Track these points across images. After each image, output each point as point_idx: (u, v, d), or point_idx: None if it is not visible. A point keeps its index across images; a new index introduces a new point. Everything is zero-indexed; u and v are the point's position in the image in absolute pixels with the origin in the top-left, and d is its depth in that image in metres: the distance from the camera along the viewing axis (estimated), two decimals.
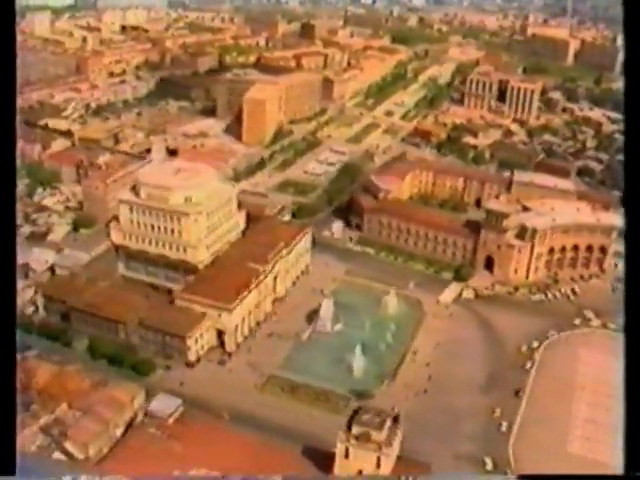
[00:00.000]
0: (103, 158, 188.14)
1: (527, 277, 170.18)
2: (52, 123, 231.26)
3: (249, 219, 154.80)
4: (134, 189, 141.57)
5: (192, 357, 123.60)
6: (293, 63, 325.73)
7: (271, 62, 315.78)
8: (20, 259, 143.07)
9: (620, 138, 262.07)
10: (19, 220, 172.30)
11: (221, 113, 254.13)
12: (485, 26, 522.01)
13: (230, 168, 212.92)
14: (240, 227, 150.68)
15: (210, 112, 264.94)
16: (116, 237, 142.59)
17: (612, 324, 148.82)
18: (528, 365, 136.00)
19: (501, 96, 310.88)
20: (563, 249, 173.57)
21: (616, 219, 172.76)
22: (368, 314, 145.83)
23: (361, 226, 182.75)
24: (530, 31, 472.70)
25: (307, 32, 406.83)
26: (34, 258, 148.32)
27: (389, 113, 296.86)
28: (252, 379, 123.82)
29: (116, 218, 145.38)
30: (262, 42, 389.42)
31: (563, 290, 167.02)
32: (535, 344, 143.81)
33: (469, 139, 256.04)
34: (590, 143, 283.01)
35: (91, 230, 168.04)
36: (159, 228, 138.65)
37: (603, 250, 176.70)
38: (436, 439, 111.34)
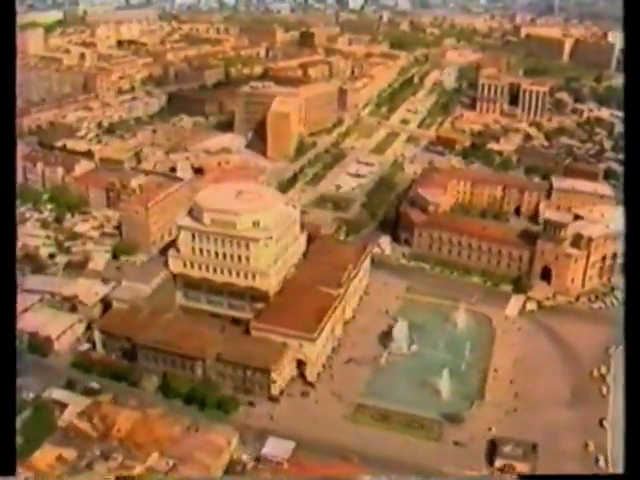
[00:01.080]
0: (137, 180, 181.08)
1: (583, 286, 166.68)
2: (70, 144, 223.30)
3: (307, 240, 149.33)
4: (193, 214, 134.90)
5: (275, 391, 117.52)
6: (300, 73, 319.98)
7: (279, 73, 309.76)
8: (65, 291, 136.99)
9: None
10: (52, 248, 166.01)
11: (239, 128, 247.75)
12: (475, 28, 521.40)
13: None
14: (302, 249, 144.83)
15: (226, 127, 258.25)
16: (175, 266, 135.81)
17: None
18: (606, 374, 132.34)
19: (511, 99, 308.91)
20: (614, 256, 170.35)
21: None
22: (440, 332, 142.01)
23: (410, 241, 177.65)
24: (524, 31, 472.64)
25: (306, 40, 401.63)
26: (81, 290, 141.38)
27: (404, 121, 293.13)
28: (339, 409, 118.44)
29: (169, 245, 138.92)
30: (262, 52, 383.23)
31: (620, 297, 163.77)
32: (611, 351, 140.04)
33: (493, 145, 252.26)
34: (606, 144, 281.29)
35: (133, 257, 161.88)
36: (225, 255, 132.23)
37: None
38: (541, 459, 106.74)
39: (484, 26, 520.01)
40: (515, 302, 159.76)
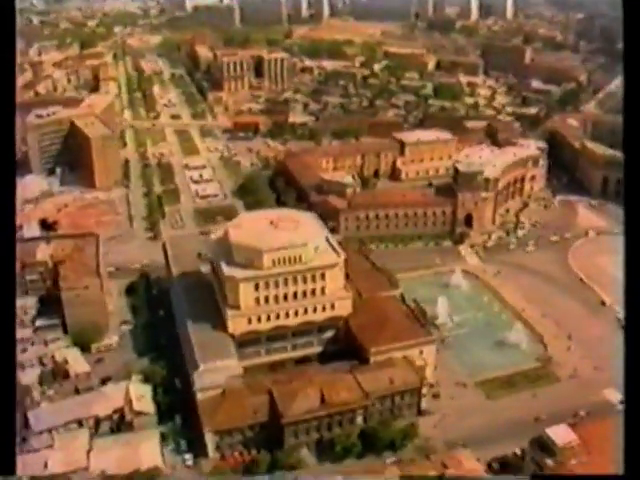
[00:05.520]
0: (43, 250, 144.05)
1: (493, 223, 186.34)
2: None
3: None
4: (239, 262, 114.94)
5: (423, 405, 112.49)
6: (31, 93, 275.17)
7: None
8: (93, 410, 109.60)
9: None
10: None
11: (37, 166, 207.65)
12: (130, 12, 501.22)
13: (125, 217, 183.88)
14: None
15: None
16: (237, 326, 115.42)
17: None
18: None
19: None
20: (505, 188, 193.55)
21: (528, 148, 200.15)
22: (453, 298, 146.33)
23: (338, 228, 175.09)
24: (188, 5, 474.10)
25: None
26: (109, 401, 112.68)
27: (175, 117, 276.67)
28: (472, 396, 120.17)
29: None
30: None
31: (531, 221, 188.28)
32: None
33: (295, 119, 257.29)
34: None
35: (101, 342, 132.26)
36: (295, 294, 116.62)
37: (523, 179, 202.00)
38: None
39: (139, 9, 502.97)
40: (468, 253, 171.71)
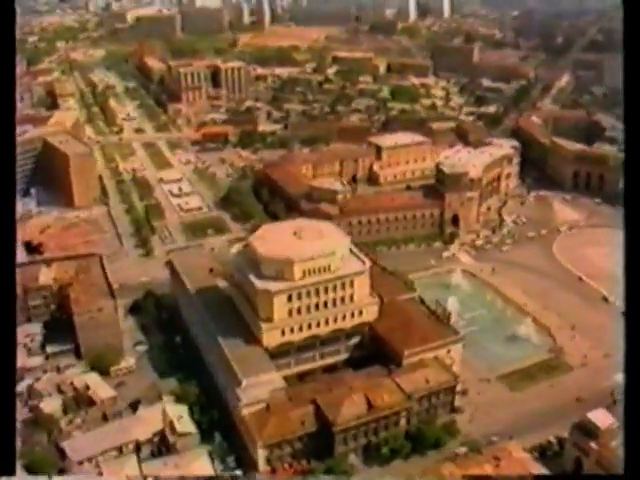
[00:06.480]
0: (46, 274, 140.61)
1: (478, 221, 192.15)
2: None
3: None
4: (267, 275, 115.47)
5: (458, 402, 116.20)
6: None
7: None
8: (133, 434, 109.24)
9: None
10: None
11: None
12: (70, 26, 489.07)
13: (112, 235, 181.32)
14: None
15: None
16: (272, 339, 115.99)
17: None
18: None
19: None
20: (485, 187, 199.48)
21: (502, 147, 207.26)
22: (458, 297, 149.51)
23: None
24: (129, 16, 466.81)
25: None
26: (149, 425, 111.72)
27: (139, 130, 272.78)
28: (496, 389, 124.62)
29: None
30: None
31: (512, 217, 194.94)
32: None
33: (265, 128, 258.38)
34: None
35: (119, 365, 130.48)
36: (326, 303, 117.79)
37: (499, 177, 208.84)
38: None
39: (76, 22, 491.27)
40: (461, 253, 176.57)
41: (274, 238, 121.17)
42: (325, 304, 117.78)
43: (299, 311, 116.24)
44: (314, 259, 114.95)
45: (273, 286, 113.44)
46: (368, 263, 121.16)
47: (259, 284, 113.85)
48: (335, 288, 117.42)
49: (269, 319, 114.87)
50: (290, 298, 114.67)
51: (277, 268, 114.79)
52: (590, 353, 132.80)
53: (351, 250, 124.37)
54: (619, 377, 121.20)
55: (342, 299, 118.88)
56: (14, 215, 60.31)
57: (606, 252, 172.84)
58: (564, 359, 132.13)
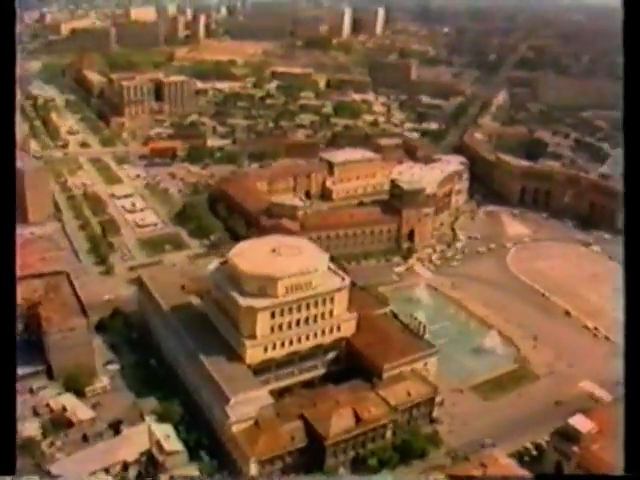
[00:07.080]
0: None
1: (432, 235, 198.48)
2: None
3: None
4: (250, 292, 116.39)
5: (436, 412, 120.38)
6: None
7: None
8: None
9: None
10: None
11: None
12: None
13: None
14: None
15: None
16: (254, 356, 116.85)
17: None
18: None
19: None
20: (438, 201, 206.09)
21: (452, 163, 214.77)
22: (421, 311, 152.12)
23: None
24: (63, 27, 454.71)
25: None
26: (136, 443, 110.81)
27: (84, 144, 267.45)
28: (471, 400, 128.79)
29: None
30: None
31: (464, 232, 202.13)
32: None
33: (213, 143, 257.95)
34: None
35: (93, 386, 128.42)
36: (307, 319, 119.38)
37: (450, 193, 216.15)
38: None
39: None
40: (420, 268, 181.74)
41: (253, 255, 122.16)
42: (306, 320, 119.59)
43: (281, 327, 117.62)
44: (297, 276, 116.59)
45: (257, 303, 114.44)
46: (347, 279, 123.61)
47: (242, 301, 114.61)
48: (317, 304, 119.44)
49: (252, 336, 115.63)
50: (273, 315, 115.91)
51: (260, 285, 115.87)
52: (555, 363, 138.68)
53: (329, 266, 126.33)
54: (586, 385, 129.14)
55: (322, 315, 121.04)
56: (13, 225, 59.14)
57: (556, 264, 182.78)
58: (530, 369, 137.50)
